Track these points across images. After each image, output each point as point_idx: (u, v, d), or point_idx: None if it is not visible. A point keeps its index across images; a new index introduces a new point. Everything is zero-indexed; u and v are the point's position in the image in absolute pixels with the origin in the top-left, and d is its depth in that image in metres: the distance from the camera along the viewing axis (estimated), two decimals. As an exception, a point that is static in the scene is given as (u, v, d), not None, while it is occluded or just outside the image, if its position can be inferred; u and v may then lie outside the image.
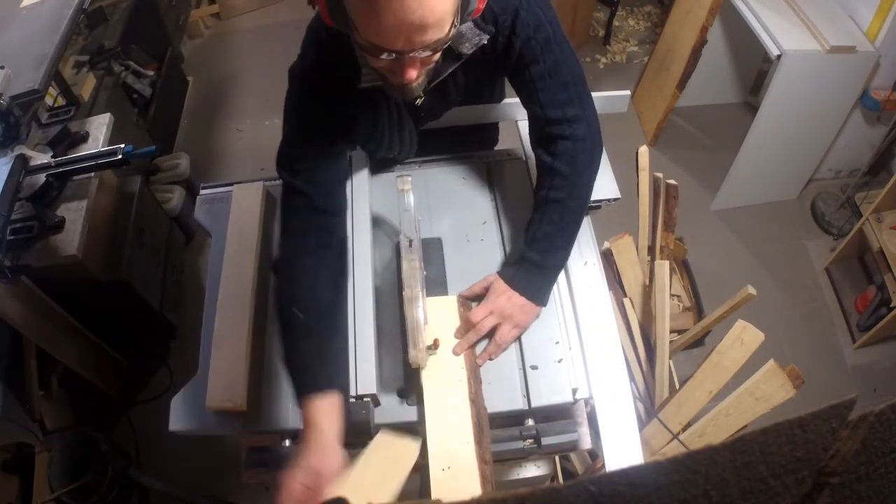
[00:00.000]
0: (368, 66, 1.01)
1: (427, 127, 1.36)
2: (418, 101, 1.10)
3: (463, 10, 0.92)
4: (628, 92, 1.53)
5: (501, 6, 1.05)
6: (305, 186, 1.08)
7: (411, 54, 0.89)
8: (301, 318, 1.00)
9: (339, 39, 0.98)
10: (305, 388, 0.97)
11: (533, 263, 1.15)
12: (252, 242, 1.28)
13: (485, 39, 1.05)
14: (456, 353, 1.11)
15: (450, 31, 0.89)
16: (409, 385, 1.12)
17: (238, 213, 1.33)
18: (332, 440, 0.93)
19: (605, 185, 1.39)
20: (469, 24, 1.02)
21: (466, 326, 1.14)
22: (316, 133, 1.09)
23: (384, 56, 0.89)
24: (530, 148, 1.25)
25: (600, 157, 1.21)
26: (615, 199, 1.39)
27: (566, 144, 1.13)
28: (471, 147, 1.49)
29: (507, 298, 1.14)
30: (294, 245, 1.08)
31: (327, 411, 0.95)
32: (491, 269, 1.25)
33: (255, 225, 1.31)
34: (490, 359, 1.14)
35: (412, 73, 0.93)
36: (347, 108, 1.11)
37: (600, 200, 1.38)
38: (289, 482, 0.89)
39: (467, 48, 1.05)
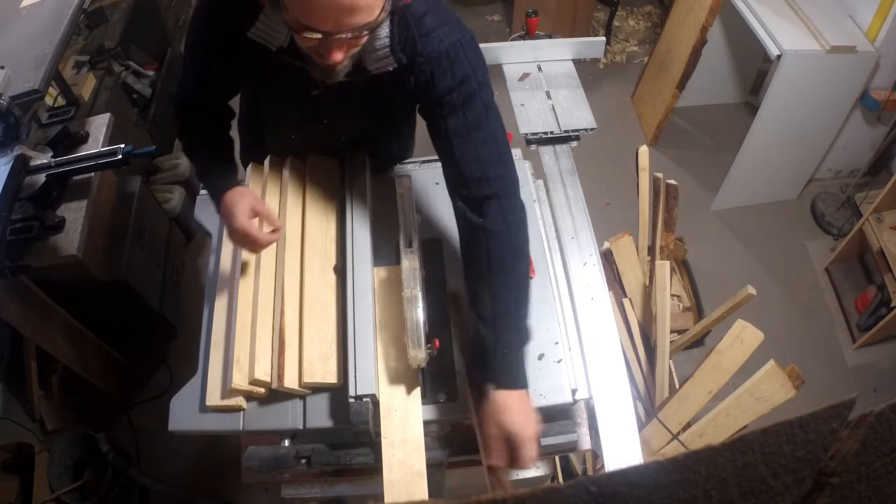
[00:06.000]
0: (284, 33, 1.02)
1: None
2: (315, 91, 1.10)
3: None
4: (603, 39, 1.61)
5: (426, 48, 1.03)
6: (198, 111, 1.25)
7: (338, 36, 0.89)
8: (210, 154, 1.25)
9: None
10: (226, 187, 1.17)
11: (504, 347, 1.00)
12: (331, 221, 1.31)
13: (390, 67, 1.04)
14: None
15: (379, 15, 0.90)
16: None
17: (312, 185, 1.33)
18: (250, 191, 1.18)
19: (581, 117, 1.44)
20: (385, 43, 1.02)
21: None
22: (205, 70, 1.19)
23: (311, 35, 0.89)
24: (527, 145, 1.25)
25: (526, 217, 1.10)
26: (592, 129, 1.43)
27: (494, 203, 1.04)
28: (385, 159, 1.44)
29: (502, 418, 0.97)
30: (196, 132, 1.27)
31: (241, 189, 1.17)
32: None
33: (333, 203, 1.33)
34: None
35: (338, 56, 0.93)
36: (237, 54, 1.09)
37: (578, 130, 1.41)
38: (239, 217, 1.10)
39: (373, 67, 1.05)
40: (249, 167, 1.35)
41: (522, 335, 1.04)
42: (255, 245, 1.15)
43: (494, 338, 1.01)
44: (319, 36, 0.89)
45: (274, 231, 1.17)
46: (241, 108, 1.46)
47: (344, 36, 0.89)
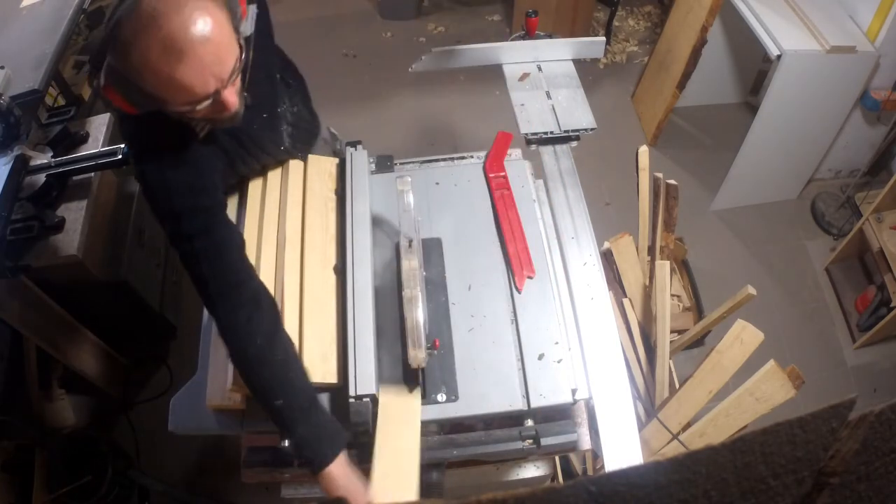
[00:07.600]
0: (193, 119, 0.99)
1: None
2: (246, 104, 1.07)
3: (235, 20, 0.92)
4: (603, 39, 1.62)
5: None
6: (210, 271, 1.03)
7: (226, 88, 0.91)
8: (284, 404, 1.01)
9: (153, 119, 0.96)
10: (325, 461, 1.01)
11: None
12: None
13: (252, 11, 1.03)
14: None
15: (239, 44, 0.92)
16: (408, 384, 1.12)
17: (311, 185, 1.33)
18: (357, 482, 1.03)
19: (581, 117, 1.45)
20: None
21: None
22: (193, 207, 1.04)
23: (205, 104, 0.91)
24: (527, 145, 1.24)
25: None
26: (592, 129, 1.44)
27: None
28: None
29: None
30: (236, 337, 1.04)
31: (343, 466, 1.03)
32: (490, 269, 1.25)
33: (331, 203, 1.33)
34: None
35: (234, 100, 0.94)
36: (204, 159, 1.06)
37: (578, 130, 1.41)
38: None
39: (247, 28, 1.02)
40: None
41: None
42: None
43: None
44: (210, 100, 0.90)
45: None
46: None
47: (231, 84, 0.91)
